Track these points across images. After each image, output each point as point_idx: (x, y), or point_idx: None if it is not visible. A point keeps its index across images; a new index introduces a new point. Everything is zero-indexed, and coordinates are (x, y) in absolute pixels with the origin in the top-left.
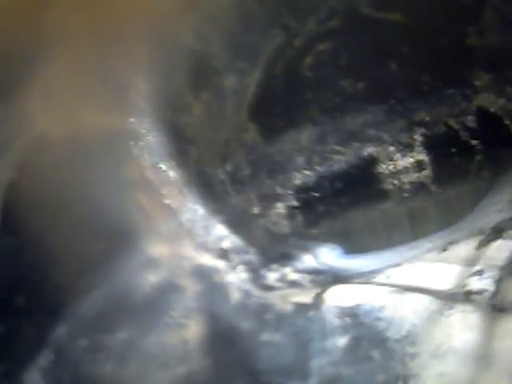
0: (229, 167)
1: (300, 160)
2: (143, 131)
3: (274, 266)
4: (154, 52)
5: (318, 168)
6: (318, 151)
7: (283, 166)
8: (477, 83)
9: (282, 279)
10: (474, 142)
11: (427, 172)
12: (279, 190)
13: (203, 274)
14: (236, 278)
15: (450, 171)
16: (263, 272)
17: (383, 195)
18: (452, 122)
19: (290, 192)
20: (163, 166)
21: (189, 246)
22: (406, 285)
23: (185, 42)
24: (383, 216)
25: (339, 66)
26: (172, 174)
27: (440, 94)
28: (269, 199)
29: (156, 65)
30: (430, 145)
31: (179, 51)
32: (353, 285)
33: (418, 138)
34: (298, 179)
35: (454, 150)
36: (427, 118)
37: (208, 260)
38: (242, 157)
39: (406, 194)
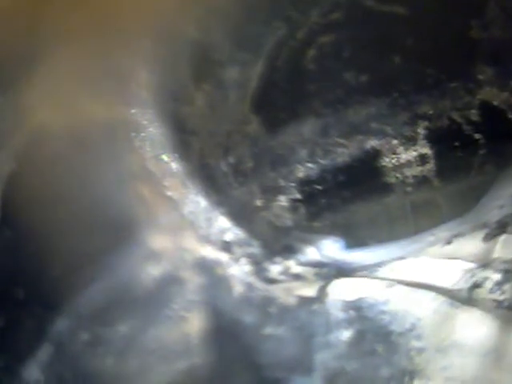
0: (231, 159)
1: (303, 153)
2: (145, 122)
3: (278, 259)
4: (157, 44)
5: (321, 161)
6: (320, 144)
7: (286, 159)
8: (480, 77)
9: (286, 272)
10: (477, 136)
11: (430, 166)
12: (282, 183)
13: (205, 267)
14: (239, 270)
15: (453, 165)
16: (266, 265)
17: (386, 188)
18: (455, 116)
19: (292, 185)
20: (165, 158)
21: (191, 239)
22: (410, 279)
23: (187, 34)
24: (386, 209)
25: (342, 58)
26: (174, 165)
27: (443, 87)
28: (271, 192)
29: (158, 56)
30: (433, 138)
31: (182, 43)
32: (356, 278)
33: (421, 131)
34: (301, 172)
35: (457, 144)
36: (430, 112)
37: (210, 252)
38: (245, 149)
39: (408, 188)
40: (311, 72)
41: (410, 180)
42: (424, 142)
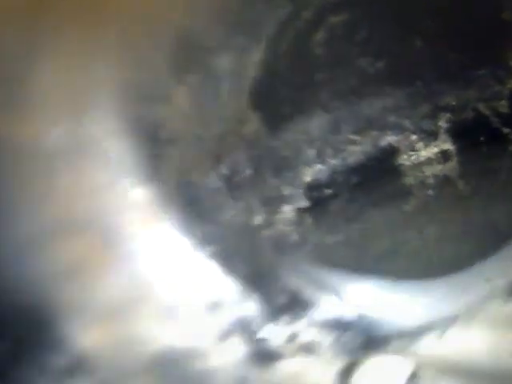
0: (224, 169)
1: (310, 153)
2: (101, 134)
3: (281, 319)
4: (125, 30)
5: (331, 161)
6: (330, 142)
7: (291, 161)
8: (511, 64)
9: (292, 340)
10: (506, 130)
11: (452, 163)
12: (286, 190)
13: (171, 364)
14: (228, 355)
15: (478, 163)
16: (266, 331)
17: (405, 191)
18: (482, 107)
19: (299, 191)
20: (128, 182)
21: (149, 316)
22: (468, 365)
23: (165, 14)
24: (407, 220)
25: (355, 42)
26: (141, 191)
27: (469, 75)
28: (274, 202)
29: (127, 45)
30: (456, 133)
31: (159, 26)
32: (393, 357)
33: (442, 124)
34: (309, 175)
35: (483, 139)
36: (454, 103)
37: (183, 337)
38: (242, 154)
39: (430, 191)
40: (319, 58)
41: (431, 181)
42: (446, 136)
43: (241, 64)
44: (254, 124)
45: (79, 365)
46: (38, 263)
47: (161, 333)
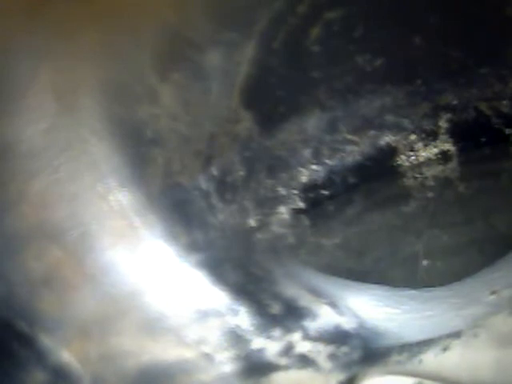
0: (215, 171)
1: (306, 153)
2: (83, 134)
3: (276, 330)
4: (110, 24)
5: (328, 161)
6: (327, 141)
7: (286, 162)
8: None
9: (287, 353)
10: (509, 131)
11: (453, 164)
12: (282, 191)
13: (157, 379)
14: (217, 369)
15: (479, 164)
16: (259, 343)
17: (404, 193)
18: (483, 107)
19: (294, 192)
20: (107, 188)
21: (132, 328)
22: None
23: (152, 9)
24: (406, 223)
25: (352, 38)
26: (122, 196)
27: (471, 73)
28: (269, 203)
29: (111, 41)
30: (456, 133)
31: (144, 21)
32: (395, 376)
33: (443, 124)
34: (304, 176)
35: (484, 140)
36: (455, 102)
37: (168, 351)
38: (234, 154)
39: (430, 194)
40: (315, 55)
41: (431, 182)
42: (446, 137)
43: (231, 61)
44: (246, 123)
45: (61, 380)
46: (10, 271)
47: (145, 346)
